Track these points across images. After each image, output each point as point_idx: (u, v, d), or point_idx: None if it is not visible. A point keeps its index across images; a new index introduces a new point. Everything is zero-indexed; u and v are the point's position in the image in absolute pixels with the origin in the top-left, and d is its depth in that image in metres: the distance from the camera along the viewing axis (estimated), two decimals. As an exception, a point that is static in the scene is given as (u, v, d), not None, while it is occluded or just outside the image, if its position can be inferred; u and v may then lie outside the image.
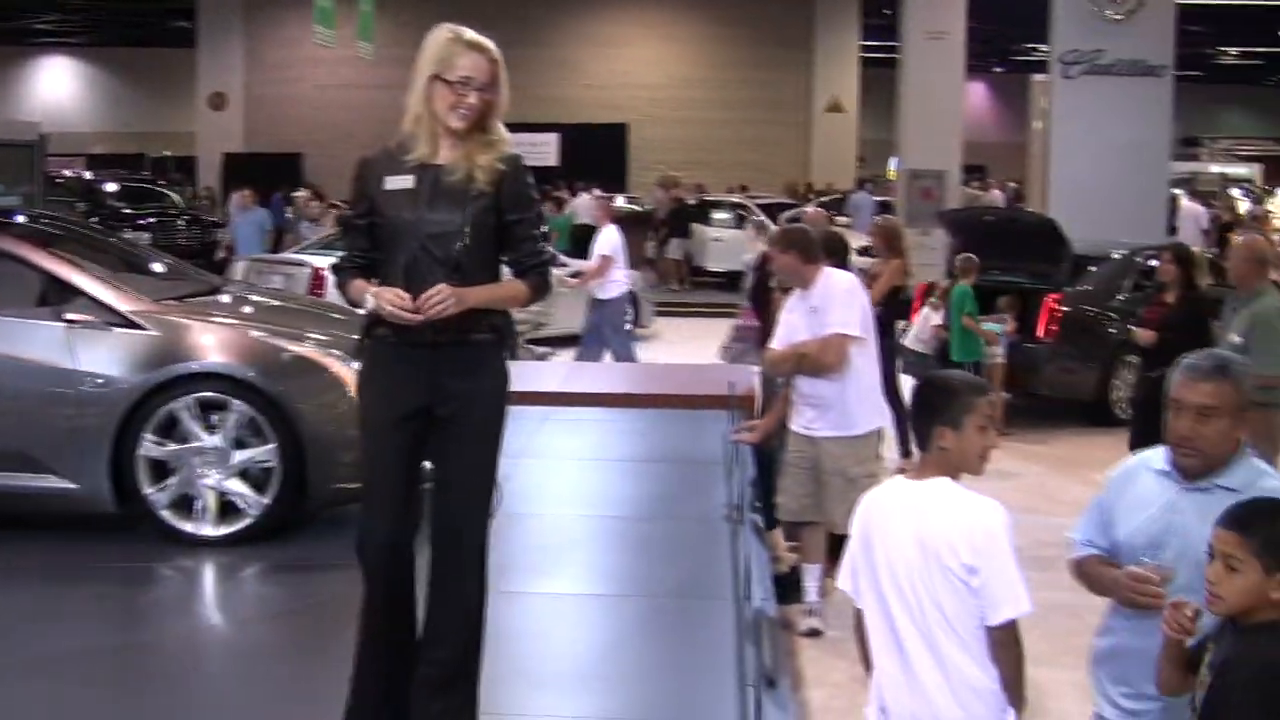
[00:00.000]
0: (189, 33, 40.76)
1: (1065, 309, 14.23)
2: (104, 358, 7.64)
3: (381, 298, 4.66)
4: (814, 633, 7.94)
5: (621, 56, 41.22)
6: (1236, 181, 49.99)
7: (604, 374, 14.15)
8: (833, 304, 7.73)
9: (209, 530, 7.61)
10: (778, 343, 8.03)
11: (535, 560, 7.35)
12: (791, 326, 7.93)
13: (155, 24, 44.83)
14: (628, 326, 16.69)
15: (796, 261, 7.83)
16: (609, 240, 15.55)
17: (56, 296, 7.86)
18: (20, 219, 9.71)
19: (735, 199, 30.30)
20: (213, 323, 8.04)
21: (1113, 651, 4.21)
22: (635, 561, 7.75)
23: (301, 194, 24.19)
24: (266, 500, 7.59)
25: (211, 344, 7.79)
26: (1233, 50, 56.81)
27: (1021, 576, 4.02)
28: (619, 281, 15.54)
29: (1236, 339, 8.49)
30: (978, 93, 57.91)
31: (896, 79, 26.31)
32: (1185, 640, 3.65)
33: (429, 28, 4.84)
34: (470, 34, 4.77)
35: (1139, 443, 9.30)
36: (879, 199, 30.71)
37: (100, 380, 7.59)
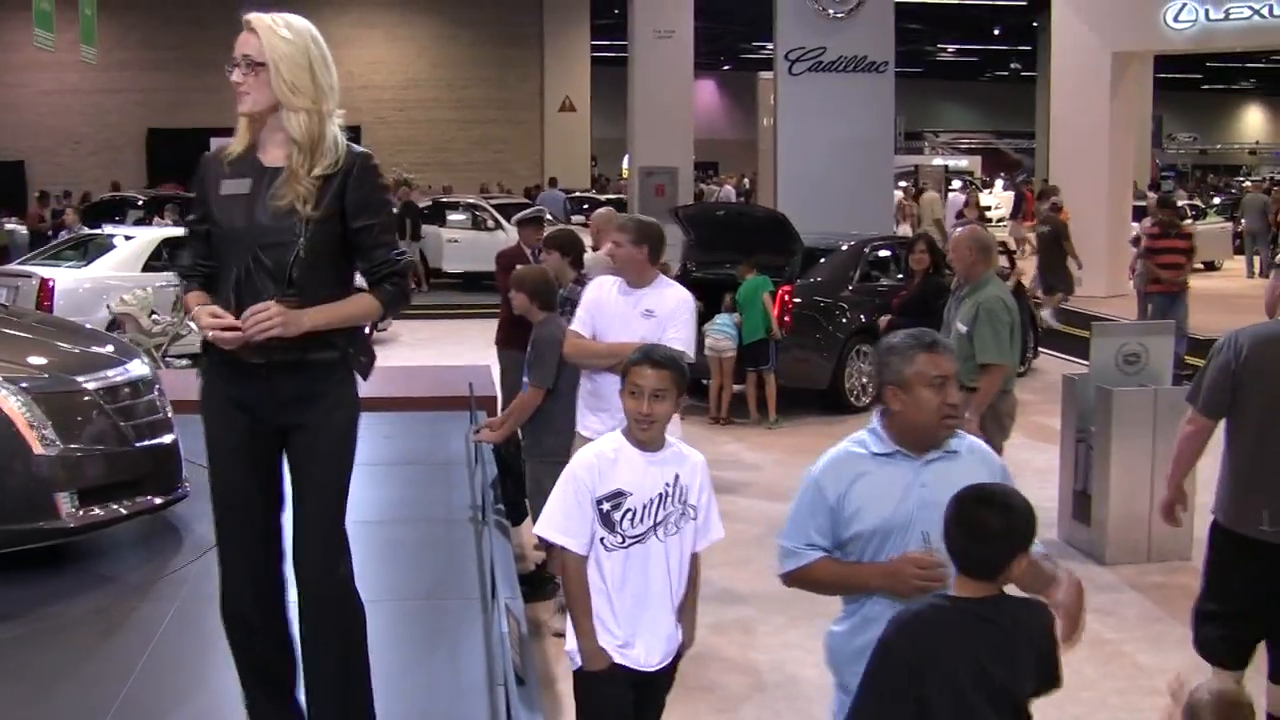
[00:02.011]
0: (-99, 38, 39.12)
1: (798, 300, 14.54)
2: None
3: (198, 318, 4.30)
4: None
5: (350, 58, 40.71)
6: (958, 173, 51.88)
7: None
8: (678, 320, 7.22)
9: None
10: (584, 328, 7.48)
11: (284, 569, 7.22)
12: (607, 316, 7.42)
13: None
14: None
15: (644, 257, 7.39)
16: None
17: None
18: None
19: (470, 200, 30.19)
20: None
21: None
22: (382, 566, 7.67)
23: None
24: None
25: None
26: (950, 47, 58.87)
27: (561, 509, 4.55)
28: None
29: (962, 328, 8.57)
30: (709, 91, 58.91)
31: (627, 78, 26.58)
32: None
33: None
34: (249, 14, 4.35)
35: None
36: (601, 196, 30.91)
37: None
